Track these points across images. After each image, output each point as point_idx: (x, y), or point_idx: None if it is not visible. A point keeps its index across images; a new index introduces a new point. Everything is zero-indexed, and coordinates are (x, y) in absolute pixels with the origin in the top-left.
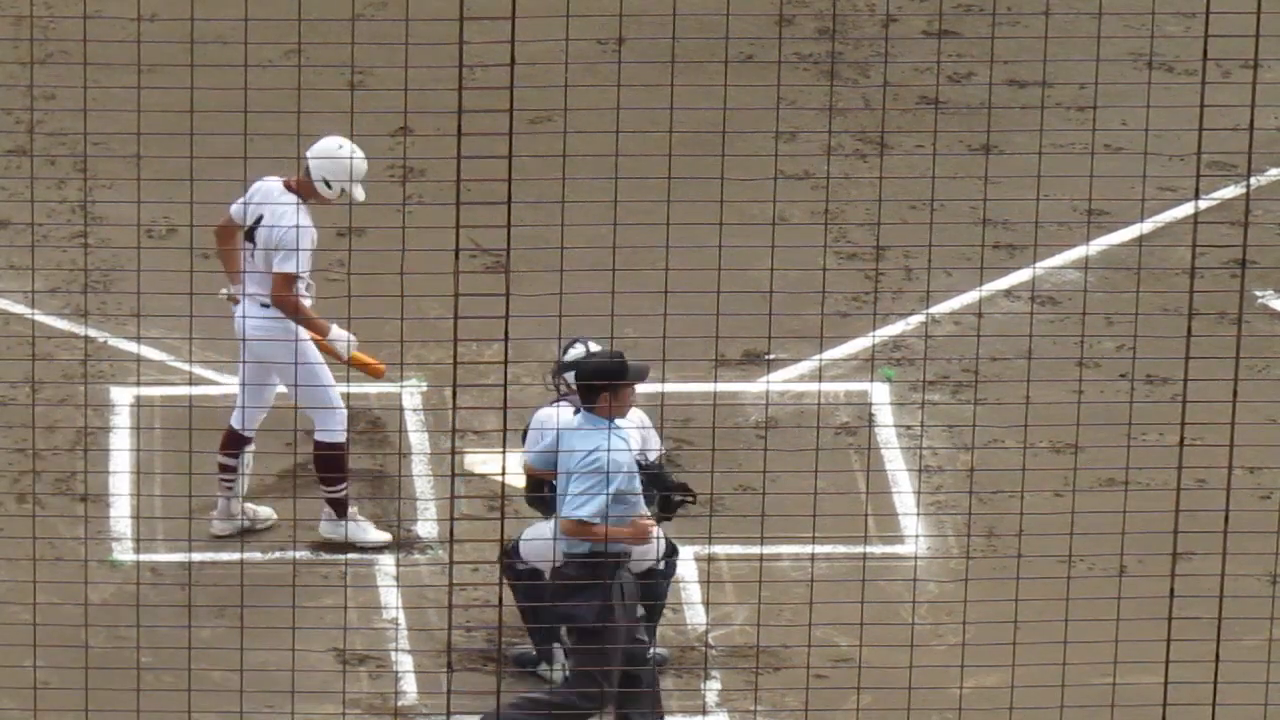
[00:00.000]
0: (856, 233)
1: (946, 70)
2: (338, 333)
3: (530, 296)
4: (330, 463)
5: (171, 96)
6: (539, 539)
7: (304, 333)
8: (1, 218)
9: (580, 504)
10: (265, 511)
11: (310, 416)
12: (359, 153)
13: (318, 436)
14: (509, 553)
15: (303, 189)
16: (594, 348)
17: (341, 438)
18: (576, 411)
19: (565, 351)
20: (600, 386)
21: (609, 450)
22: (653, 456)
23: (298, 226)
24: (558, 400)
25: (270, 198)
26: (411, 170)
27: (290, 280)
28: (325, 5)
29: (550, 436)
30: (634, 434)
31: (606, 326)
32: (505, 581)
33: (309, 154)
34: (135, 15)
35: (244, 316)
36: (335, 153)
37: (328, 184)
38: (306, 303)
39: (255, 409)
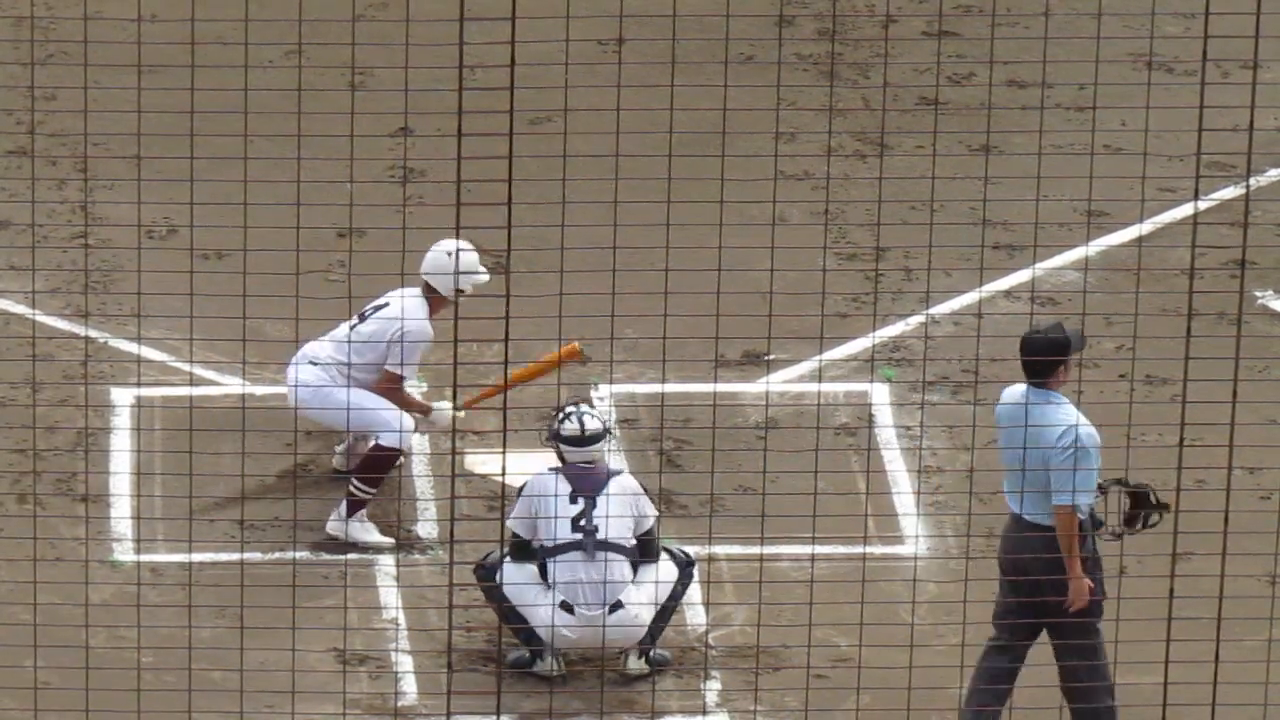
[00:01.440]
0: (856, 233)
1: (946, 71)
2: (439, 413)
3: (530, 297)
4: (378, 463)
5: (171, 97)
6: (528, 583)
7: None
8: (2, 218)
9: (1075, 487)
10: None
11: (377, 434)
12: (465, 245)
13: (380, 439)
14: (486, 571)
15: (436, 304)
16: (589, 422)
17: (402, 444)
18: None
19: (561, 420)
20: (1057, 362)
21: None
22: (648, 524)
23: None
24: (555, 467)
25: (406, 295)
26: (411, 170)
27: (394, 381)
28: (325, 5)
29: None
30: (626, 500)
31: (606, 327)
32: (480, 587)
33: (425, 272)
34: (135, 15)
35: (298, 385)
36: (447, 264)
37: (460, 291)
38: (414, 393)
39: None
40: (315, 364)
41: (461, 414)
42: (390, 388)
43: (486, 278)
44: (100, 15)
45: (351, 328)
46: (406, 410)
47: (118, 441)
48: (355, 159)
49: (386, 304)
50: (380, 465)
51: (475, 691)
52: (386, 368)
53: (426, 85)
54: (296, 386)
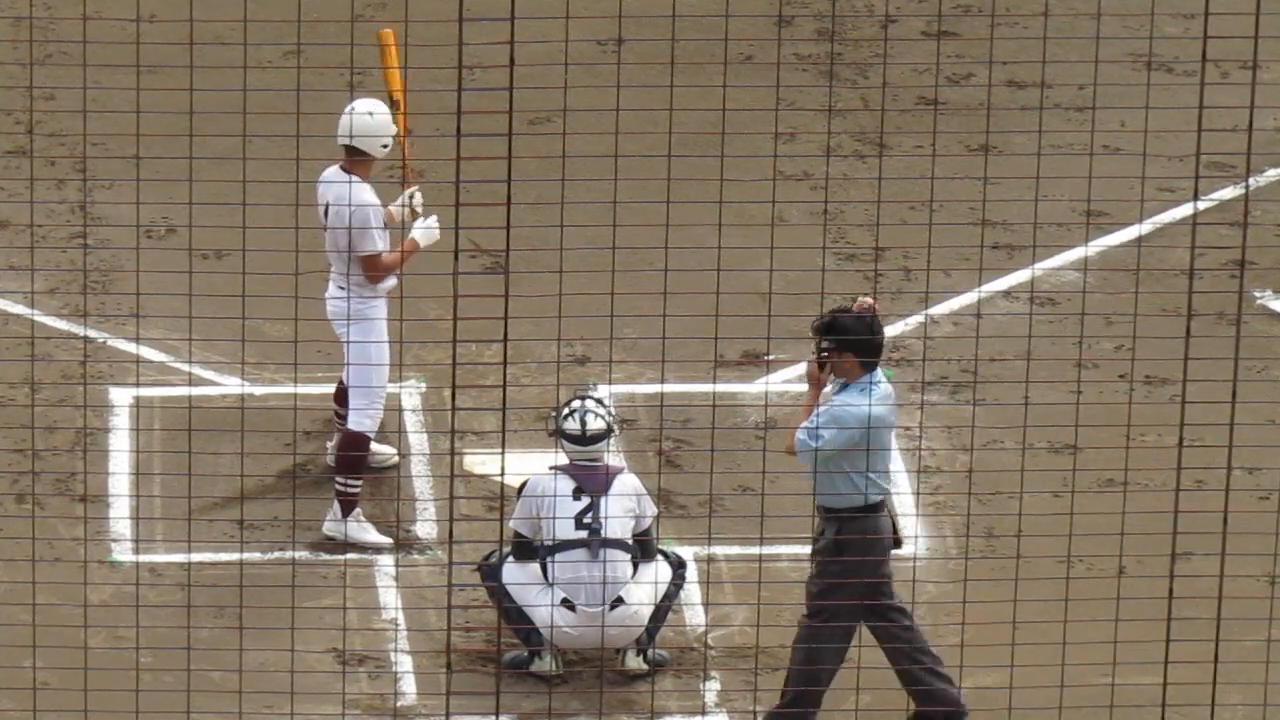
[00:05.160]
0: (855, 233)
1: (945, 71)
2: (422, 233)
3: (529, 298)
4: (352, 450)
5: (170, 97)
6: (529, 583)
7: (376, 317)
8: (1, 218)
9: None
10: (387, 450)
11: (350, 401)
12: (375, 103)
13: (348, 424)
14: (488, 570)
15: (358, 168)
16: (591, 421)
17: (368, 430)
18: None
19: (564, 418)
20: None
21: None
22: (646, 524)
23: (356, 205)
24: (556, 466)
25: (333, 184)
26: (411, 170)
27: (375, 260)
28: (325, 5)
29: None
30: (628, 499)
31: (606, 327)
32: (483, 586)
33: (352, 136)
34: (135, 15)
35: (326, 299)
36: (370, 124)
37: (384, 145)
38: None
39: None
40: (341, 286)
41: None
42: (374, 270)
43: (394, 130)
44: (100, 15)
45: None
46: (400, 264)
47: (116, 441)
48: (354, 159)
49: (328, 206)
50: (354, 453)
51: (474, 691)
52: (358, 256)
53: (426, 85)
54: (328, 299)
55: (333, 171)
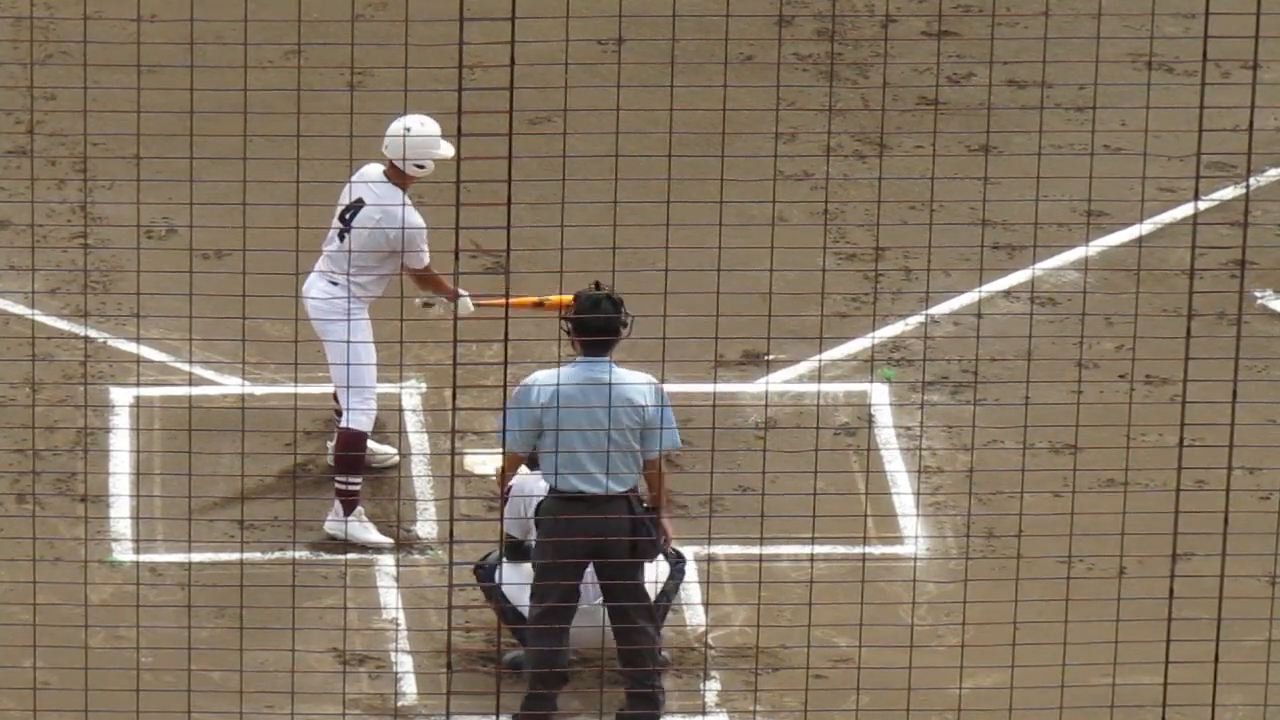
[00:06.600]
0: (856, 233)
1: (946, 71)
2: (463, 303)
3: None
4: (349, 449)
5: (170, 96)
6: (525, 583)
7: (360, 316)
8: (2, 218)
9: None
10: (387, 449)
11: (342, 401)
12: (425, 119)
13: (343, 423)
14: (485, 572)
15: (405, 182)
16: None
17: (364, 427)
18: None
19: None
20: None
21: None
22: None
23: (404, 227)
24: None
25: (373, 184)
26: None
27: (427, 271)
28: (325, 5)
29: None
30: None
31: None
32: (479, 587)
33: (388, 150)
34: (135, 15)
35: (308, 296)
36: (410, 140)
37: (419, 165)
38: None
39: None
40: (334, 283)
41: (474, 308)
42: (427, 281)
43: (449, 152)
44: (100, 15)
45: (340, 235)
46: (444, 291)
47: (117, 441)
48: (355, 159)
49: (360, 202)
50: (352, 451)
51: (474, 691)
52: (409, 269)
53: (426, 85)
54: (310, 298)
55: (373, 170)
